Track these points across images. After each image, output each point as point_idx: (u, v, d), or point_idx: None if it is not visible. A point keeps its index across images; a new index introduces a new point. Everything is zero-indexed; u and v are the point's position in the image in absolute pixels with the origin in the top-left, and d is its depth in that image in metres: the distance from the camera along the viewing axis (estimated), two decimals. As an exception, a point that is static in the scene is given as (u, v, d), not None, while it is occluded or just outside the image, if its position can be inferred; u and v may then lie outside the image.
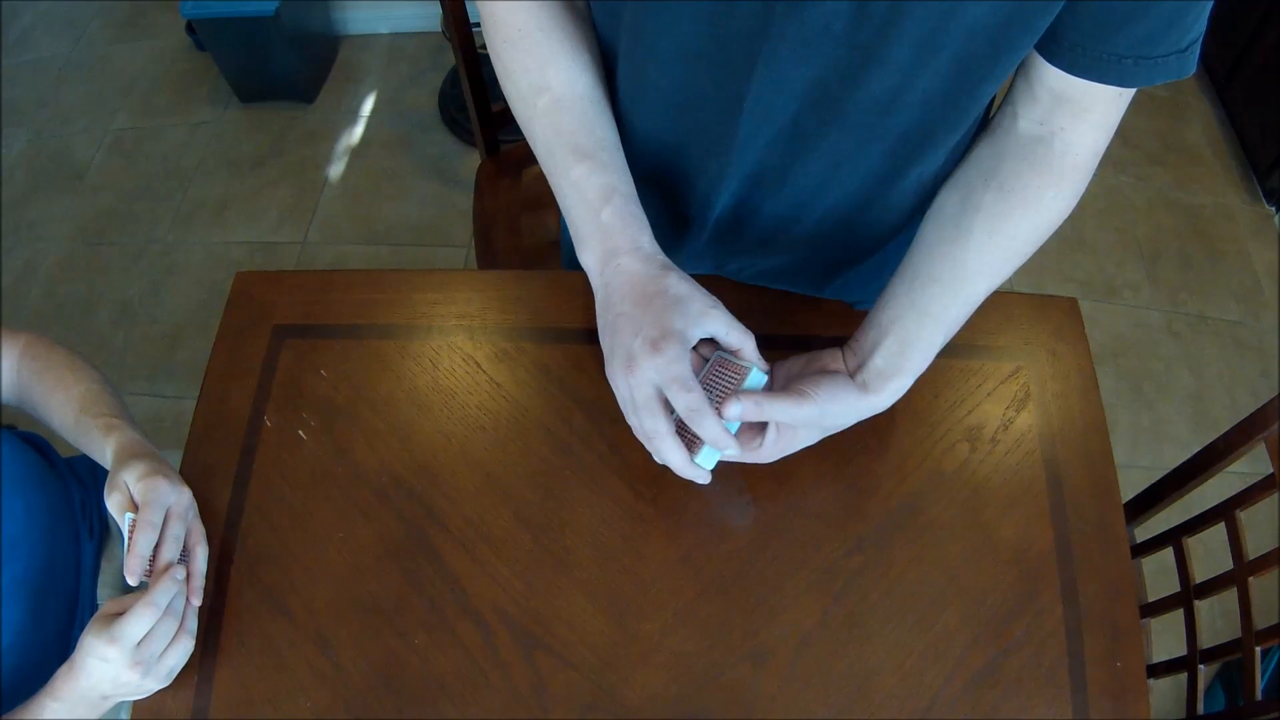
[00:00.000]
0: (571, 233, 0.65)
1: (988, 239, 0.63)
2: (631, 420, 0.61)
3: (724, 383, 0.63)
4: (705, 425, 0.57)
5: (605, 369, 0.62)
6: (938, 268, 0.64)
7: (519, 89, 0.65)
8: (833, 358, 0.66)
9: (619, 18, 0.62)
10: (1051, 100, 0.60)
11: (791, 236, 0.76)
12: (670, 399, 0.58)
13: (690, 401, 0.57)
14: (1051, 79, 0.58)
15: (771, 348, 0.70)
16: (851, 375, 0.64)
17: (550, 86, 0.64)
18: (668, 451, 0.59)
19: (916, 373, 0.64)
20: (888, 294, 0.66)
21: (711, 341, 0.63)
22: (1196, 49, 0.55)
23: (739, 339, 0.62)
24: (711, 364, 0.64)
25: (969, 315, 0.65)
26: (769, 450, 0.64)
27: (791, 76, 0.57)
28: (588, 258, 0.63)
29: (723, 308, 0.62)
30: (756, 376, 0.62)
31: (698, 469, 0.61)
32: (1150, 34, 0.53)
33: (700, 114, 0.64)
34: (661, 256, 0.63)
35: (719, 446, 0.60)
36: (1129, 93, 0.58)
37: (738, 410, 0.59)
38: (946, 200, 0.66)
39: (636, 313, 0.59)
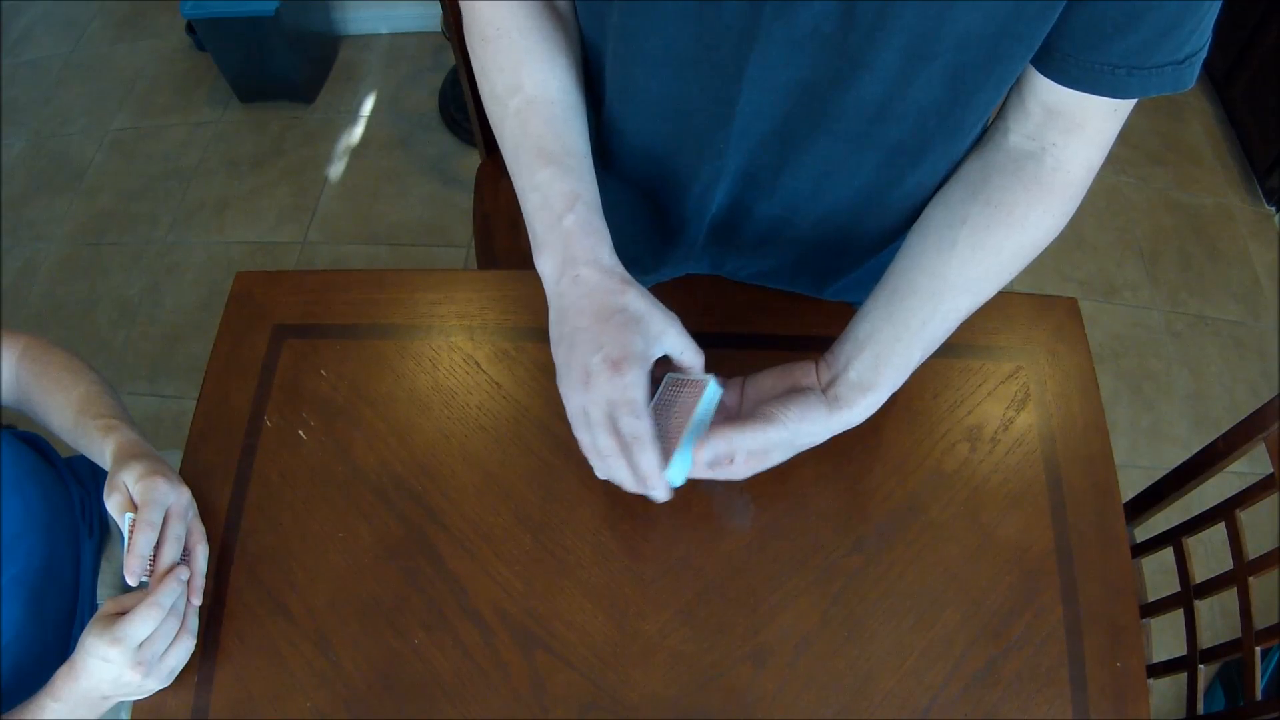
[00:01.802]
0: (531, 237, 0.64)
1: (971, 253, 0.62)
2: (582, 436, 0.60)
3: (681, 400, 0.62)
4: (644, 456, 0.57)
5: (557, 381, 0.60)
6: (918, 280, 0.63)
7: (493, 87, 0.65)
8: (805, 372, 0.65)
9: (605, 20, 0.61)
10: (1043, 114, 0.59)
11: (786, 239, 0.76)
12: (617, 422, 0.57)
13: (636, 429, 0.56)
14: (1044, 91, 0.57)
15: (771, 348, 0.70)
16: (825, 389, 0.63)
17: (523, 87, 0.63)
18: (619, 470, 0.59)
19: (891, 388, 0.63)
20: (867, 306, 0.65)
21: (665, 359, 0.62)
22: (1196, 62, 0.53)
23: (692, 358, 0.61)
24: (665, 385, 0.64)
25: (949, 332, 0.64)
26: (740, 469, 0.63)
27: (781, 78, 0.57)
28: (545, 265, 0.62)
29: (679, 325, 0.61)
30: (714, 390, 0.62)
31: (660, 484, 0.59)
32: (1144, 43, 0.51)
33: (691, 118, 0.63)
34: (621, 270, 0.61)
35: (648, 484, 0.58)
36: (1125, 107, 0.57)
37: (711, 455, 0.59)
38: (932, 213, 0.65)
39: (596, 329, 0.58)
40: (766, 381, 0.66)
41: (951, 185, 0.65)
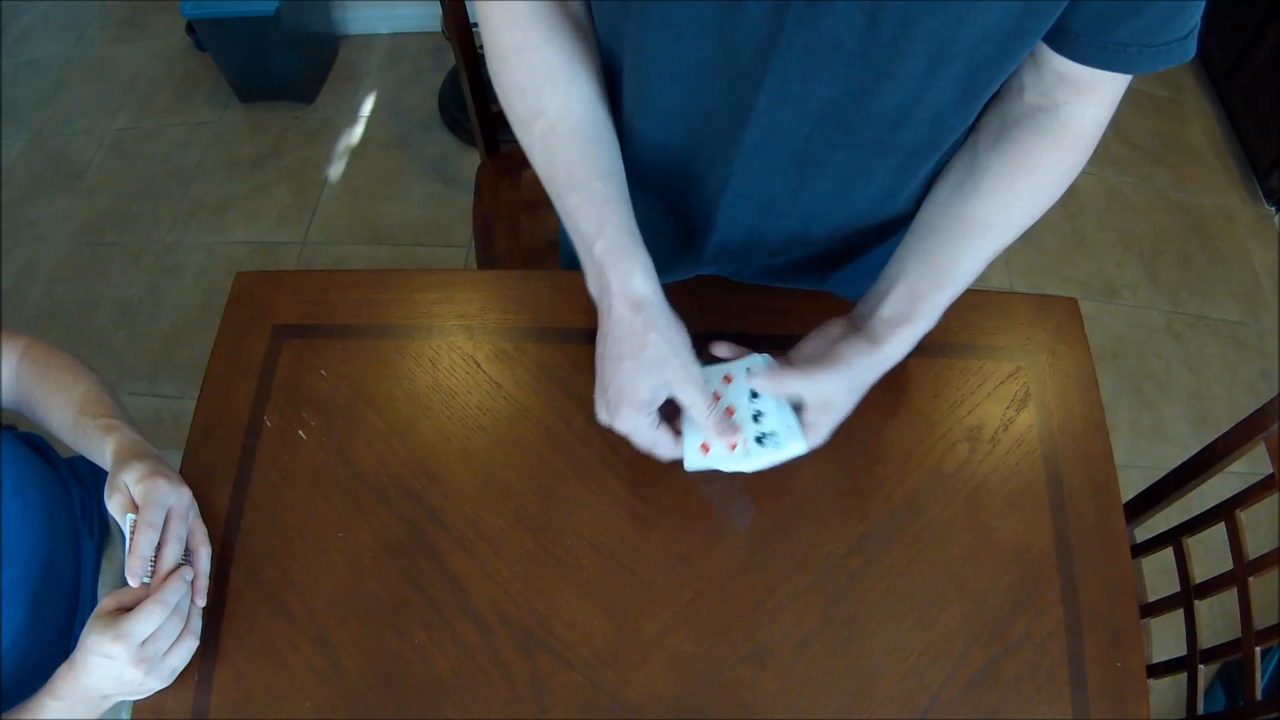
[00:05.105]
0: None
1: (992, 197, 0.64)
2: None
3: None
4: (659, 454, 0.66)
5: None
6: (945, 222, 0.65)
7: (515, 112, 0.64)
8: (836, 325, 0.68)
9: (621, 29, 0.61)
10: (1055, 79, 0.61)
11: (799, 248, 0.77)
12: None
13: (641, 446, 0.65)
14: (1056, 64, 0.59)
15: (771, 347, 0.70)
16: (860, 329, 0.66)
17: (545, 111, 0.62)
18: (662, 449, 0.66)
19: (925, 322, 0.65)
20: (896, 253, 0.67)
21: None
22: (1196, 33, 0.56)
23: (701, 412, 0.63)
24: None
25: (973, 275, 0.66)
26: (819, 431, 0.66)
27: (801, 95, 0.57)
28: (589, 286, 0.66)
29: (693, 375, 0.62)
30: (740, 384, 0.67)
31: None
32: (1150, 25, 0.53)
33: (705, 125, 0.64)
34: (652, 298, 0.62)
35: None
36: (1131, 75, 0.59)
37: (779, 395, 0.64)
38: (955, 165, 0.67)
39: (612, 366, 0.62)
40: (807, 348, 0.68)
41: (971, 140, 0.67)
